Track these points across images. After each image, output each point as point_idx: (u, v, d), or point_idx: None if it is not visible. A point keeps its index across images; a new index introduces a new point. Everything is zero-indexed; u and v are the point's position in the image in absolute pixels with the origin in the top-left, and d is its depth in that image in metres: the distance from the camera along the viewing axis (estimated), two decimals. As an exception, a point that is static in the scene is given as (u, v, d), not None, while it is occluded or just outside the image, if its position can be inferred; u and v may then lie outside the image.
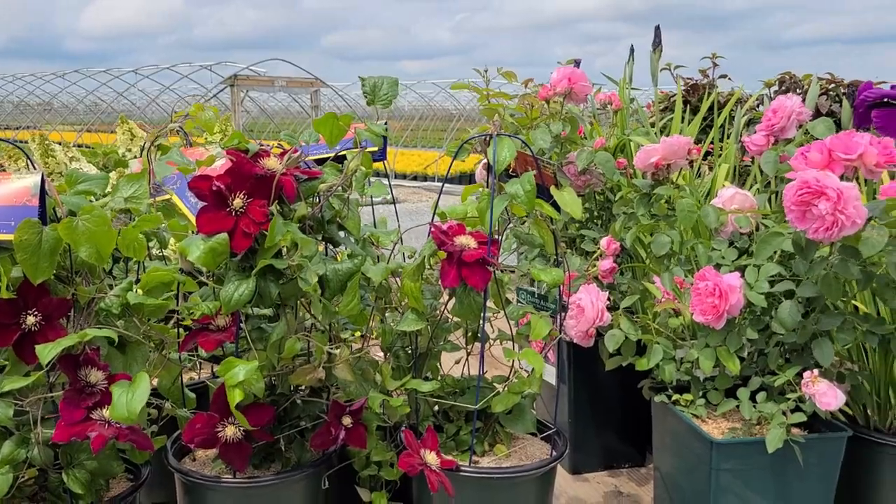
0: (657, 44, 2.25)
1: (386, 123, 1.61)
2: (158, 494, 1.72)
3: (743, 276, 1.42)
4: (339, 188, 1.26)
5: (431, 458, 1.30)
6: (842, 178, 1.25)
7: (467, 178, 9.55)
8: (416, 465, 1.28)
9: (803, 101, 1.77)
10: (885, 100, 1.59)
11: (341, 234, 1.30)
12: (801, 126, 1.65)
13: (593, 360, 1.74)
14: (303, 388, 1.42)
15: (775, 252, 1.47)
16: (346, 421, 1.31)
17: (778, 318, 1.33)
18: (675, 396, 1.50)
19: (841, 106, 1.86)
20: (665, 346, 1.50)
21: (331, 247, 1.34)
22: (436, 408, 1.52)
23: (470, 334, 1.52)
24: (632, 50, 2.49)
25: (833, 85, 2.21)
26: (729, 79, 2.62)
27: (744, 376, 1.49)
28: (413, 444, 1.31)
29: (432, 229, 1.30)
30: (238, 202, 1.13)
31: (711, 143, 2.29)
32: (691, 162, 2.38)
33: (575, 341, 1.61)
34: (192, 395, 1.55)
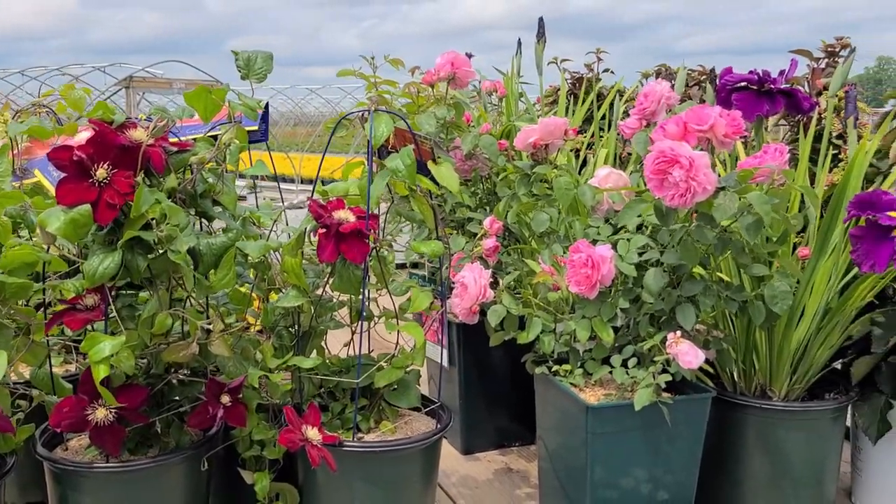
0: (541, 35, 2.32)
1: (267, 104, 1.60)
2: (34, 493, 1.65)
3: (616, 249, 1.49)
4: (213, 162, 1.24)
5: (313, 433, 1.30)
6: (698, 149, 1.33)
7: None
8: (296, 440, 1.27)
9: (673, 87, 1.87)
10: (745, 84, 1.71)
11: (217, 210, 1.29)
12: (670, 110, 1.74)
13: (483, 341, 1.78)
14: (182, 368, 1.39)
15: (647, 227, 1.54)
16: (225, 399, 1.29)
17: (644, 285, 1.40)
18: (554, 367, 1.55)
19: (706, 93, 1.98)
20: (545, 318, 1.55)
21: (208, 223, 1.32)
22: (322, 388, 1.52)
23: (354, 312, 1.52)
24: (519, 43, 2.57)
25: (704, 77, 2.35)
26: (612, 73, 2.73)
27: (620, 346, 1.55)
28: (294, 421, 1.30)
29: (310, 203, 1.30)
30: (101, 173, 1.10)
31: (594, 134, 2.38)
32: (577, 152, 2.48)
33: (460, 319, 1.64)
34: (69, 385, 1.49)
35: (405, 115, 1.37)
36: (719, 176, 1.37)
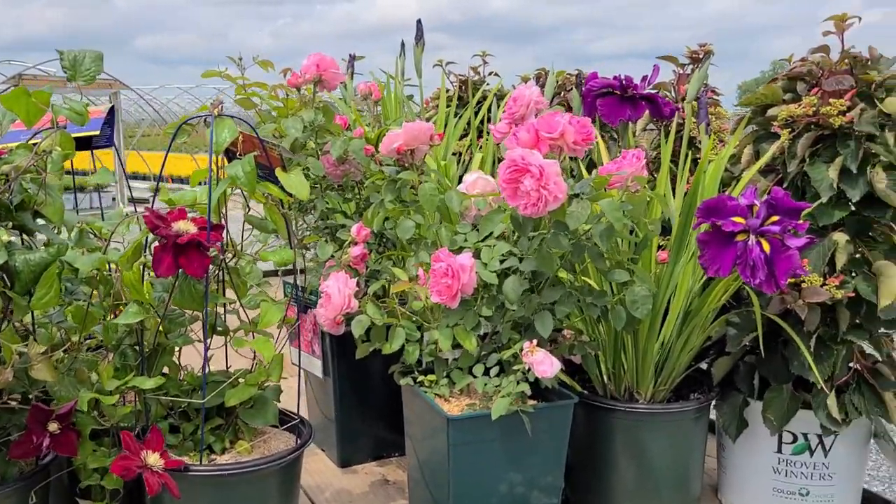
0: (419, 38, 2.29)
1: (113, 107, 1.51)
2: None
3: (480, 256, 1.47)
4: (34, 170, 1.15)
5: (154, 459, 1.22)
6: (550, 156, 1.33)
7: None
8: (133, 467, 1.19)
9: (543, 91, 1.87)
10: (608, 89, 1.72)
11: (40, 222, 1.19)
12: (539, 114, 1.74)
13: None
14: (9, 394, 1.28)
15: (514, 233, 1.53)
16: (53, 426, 1.19)
17: (503, 292, 1.38)
18: (420, 378, 1.52)
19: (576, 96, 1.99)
20: (408, 328, 1.51)
21: (28, 237, 1.22)
22: (173, 409, 1.43)
23: (208, 326, 1.44)
24: (402, 45, 2.53)
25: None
26: (497, 75, 2.73)
27: (487, 354, 1.53)
28: (132, 446, 1.22)
29: (145, 214, 1.22)
30: None
31: (480, 135, 2.37)
32: (460, 155, 2.46)
33: (325, 330, 1.59)
34: None
35: (250, 120, 1.31)
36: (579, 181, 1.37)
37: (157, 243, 1.20)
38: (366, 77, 2.78)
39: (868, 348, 1.60)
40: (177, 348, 1.46)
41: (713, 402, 1.69)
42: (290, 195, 1.33)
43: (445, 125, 2.28)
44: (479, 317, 1.46)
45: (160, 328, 1.36)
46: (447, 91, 2.80)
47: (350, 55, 2.78)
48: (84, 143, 1.48)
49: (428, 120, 2.61)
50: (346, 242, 1.71)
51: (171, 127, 1.29)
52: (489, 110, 2.27)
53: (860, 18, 1.44)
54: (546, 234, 1.36)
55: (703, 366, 1.76)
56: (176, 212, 1.26)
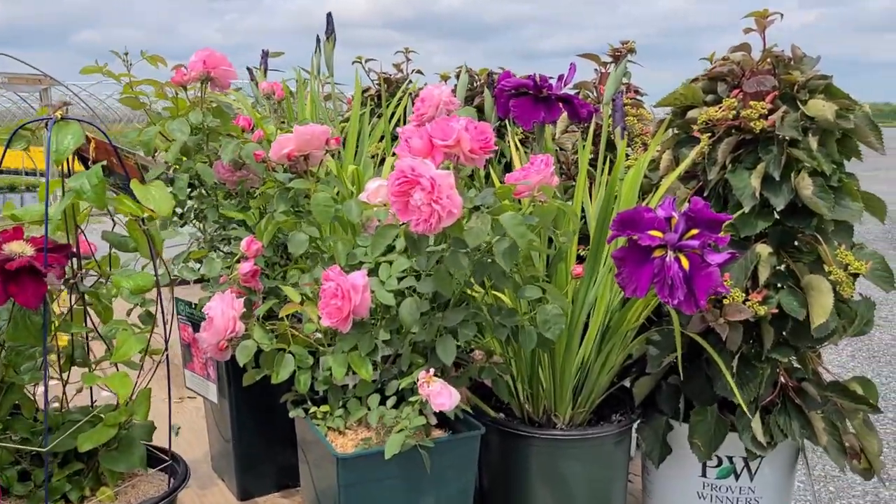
0: (330, 32, 2.14)
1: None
2: None
3: (378, 273, 1.33)
4: None
5: (-16, 519, 1.05)
6: (448, 166, 1.20)
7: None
8: (-46, 532, 1.02)
9: (454, 91, 1.74)
10: (522, 89, 1.60)
11: None
12: (449, 115, 1.61)
13: (255, 374, 1.57)
14: None
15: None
16: None
17: (400, 315, 1.25)
18: (312, 409, 1.37)
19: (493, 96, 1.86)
20: (299, 354, 1.37)
21: None
22: (20, 453, 1.26)
23: (65, 359, 1.27)
24: (318, 40, 2.37)
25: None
26: (421, 73, 2.59)
27: (387, 380, 1.39)
28: (-44, 506, 1.04)
29: (-32, 235, 1.04)
30: None
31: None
32: (376, 158, 2.31)
33: (209, 355, 1.43)
34: None
35: (98, 124, 1.15)
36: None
37: (-17, 269, 1.03)
38: (289, 73, 2.61)
39: (795, 365, 1.51)
40: (32, 384, 1.29)
41: (636, 424, 1.59)
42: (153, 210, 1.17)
43: (361, 127, 2.13)
44: (375, 341, 1.32)
45: (5, 363, 1.19)
46: (366, 90, 2.65)
47: (263, 51, 2.61)
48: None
49: (346, 121, 2.46)
50: (236, 257, 1.55)
51: (4, 131, 1.12)
52: (405, 111, 2.13)
53: (782, 15, 1.35)
54: (444, 252, 1.23)
55: (628, 383, 1.66)
56: (10, 231, 1.09)
